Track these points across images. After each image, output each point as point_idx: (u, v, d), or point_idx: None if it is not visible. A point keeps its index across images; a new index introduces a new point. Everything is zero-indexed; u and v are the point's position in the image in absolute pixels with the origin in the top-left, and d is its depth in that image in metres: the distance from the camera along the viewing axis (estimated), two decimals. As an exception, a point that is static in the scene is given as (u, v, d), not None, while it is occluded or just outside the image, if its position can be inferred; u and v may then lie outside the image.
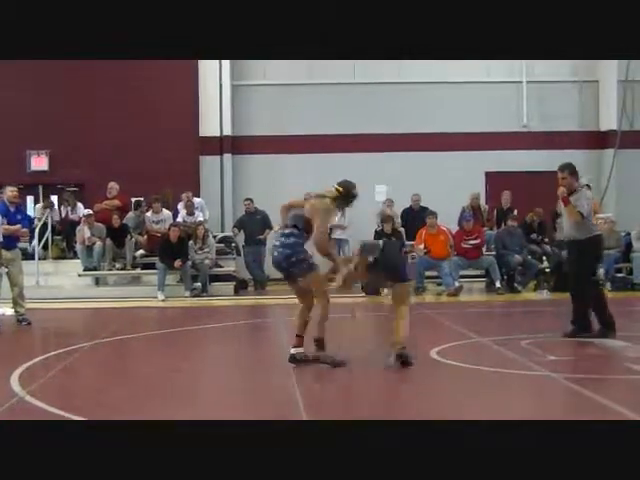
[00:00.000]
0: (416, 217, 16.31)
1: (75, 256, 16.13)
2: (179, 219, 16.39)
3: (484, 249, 15.55)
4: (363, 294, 15.09)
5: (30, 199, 18.28)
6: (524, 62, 18.68)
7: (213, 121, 18.62)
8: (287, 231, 7.44)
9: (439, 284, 15.34)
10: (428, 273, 15.25)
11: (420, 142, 18.64)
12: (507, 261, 15.09)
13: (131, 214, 16.66)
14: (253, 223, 16.35)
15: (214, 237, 16.49)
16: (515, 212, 16.37)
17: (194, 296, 14.88)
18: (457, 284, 14.71)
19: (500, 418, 4.84)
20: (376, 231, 15.86)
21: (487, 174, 18.87)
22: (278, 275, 19.41)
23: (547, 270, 15.70)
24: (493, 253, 15.46)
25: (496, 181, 18.31)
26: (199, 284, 15.14)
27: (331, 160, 18.55)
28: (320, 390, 6.41)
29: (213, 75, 18.52)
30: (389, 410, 5.75)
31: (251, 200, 16.90)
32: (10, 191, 11.11)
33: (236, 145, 18.79)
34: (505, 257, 15.08)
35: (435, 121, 18.62)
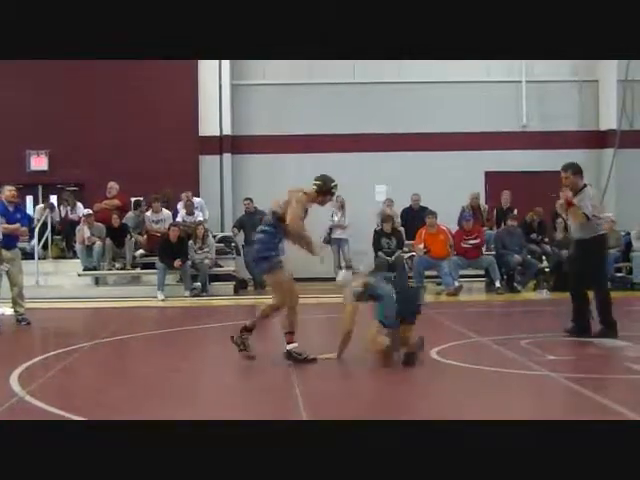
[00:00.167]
0: (416, 217, 16.31)
1: (75, 256, 16.13)
2: (179, 219, 16.39)
3: (484, 249, 15.55)
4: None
5: (30, 199, 18.28)
6: (524, 62, 18.68)
7: (213, 121, 18.63)
8: (261, 228, 7.57)
9: (439, 284, 15.34)
10: (428, 273, 15.25)
11: (420, 142, 18.64)
12: (507, 261, 15.09)
13: (131, 214, 16.66)
14: (253, 223, 16.31)
15: (214, 237, 16.49)
16: (515, 212, 16.37)
17: (194, 296, 14.88)
18: (457, 284, 14.71)
19: (500, 418, 4.84)
20: (376, 231, 15.88)
21: (487, 174, 18.88)
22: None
23: (547, 270, 15.70)
24: (493, 253, 15.46)
25: (496, 181, 18.31)
26: (199, 284, 15.14)
27: (331, 160, 18.53)
28: (320, 390, 6.41)
29: (213, 75, 18.53)
30: (389, 410, 5.75)
31: (251, 200, 16.90)
32: (8, 190, 11.10)
33: (236, 145, 18.79)
34: (505, 257, 15.08)
35: (435, 121, 18.63)
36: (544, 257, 15.87)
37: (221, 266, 16.17)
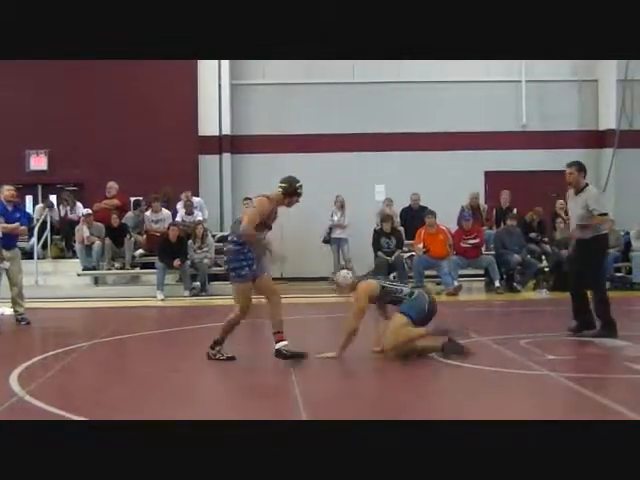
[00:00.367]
0: (415, 216, 16.31)
1: (74, 256, 16.13)
2: (178, 218, 16.38)
3: (483, 248, 15.56)
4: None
5: (29, 199, 18.27)
6: (523, 61, 18.68)
7: (212, 120, 18.63)
8: (230, 237, 7.70)
9: (438, 283, 15.34)
10: (427, 272, 15.25)
11: (419, 142, 18.65)
12: (506, 260, 15.09)
13: (130, 213, 16.66)
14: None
15: (213, 236, 16.48)
16: (514, 211, 16.37)
17: (193, 295, 14.88)
18: (456, 283, 14.72)
19: (499, 418, 4.84)
20: (375, 230, 15.88)
21: (486, 173, 18.88)
22: (276, 275, 19.51)
23: (546, 269, 15.71)
24: (492, 252, 15.46)
25: (495, 180, 18.31)
26: (198, 283, 15.14)
27: (330, 159, 18.58)
28: (320, 390, 6.41)
29: (212, 75, 18.52)
30: (389, 410, 5.74)
31: (250, 200, 16.84)
32: (7, 190, 11.09)
33: (235, 144, 18.79)
34: (504, 256, 15.09)
35: (434, 121, 18.63)
36: (544, 257, 15.88)
37: (220, 266, 16.15)
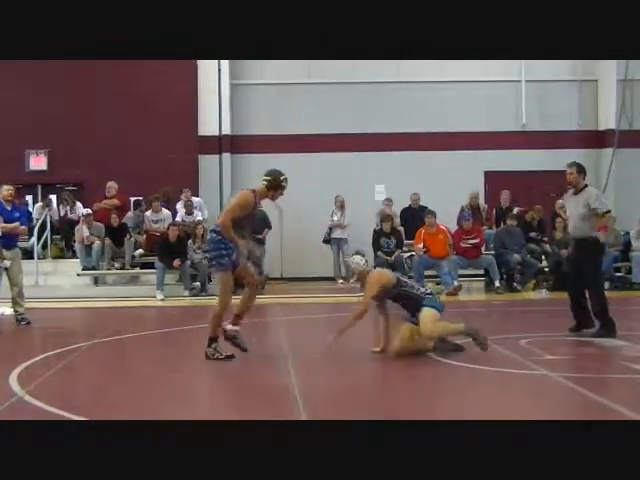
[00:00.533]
0: (415, 216, 16.31)
1: (74, 255, 16.12)
2: (178, 218, 16.38)
3: (483, 248, 15.55)
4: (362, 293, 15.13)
5: (29, 199, 18.26)
6: (523, 61, 18.67)
7: (212, 120, 18.62)
8: (212, 227, 7.82)
9: (438, 283, 15.34)
10: (427, 272, 15.25)
11: (419, 141, 18.65)
12: (506, 260, 15.09)
13: (130, 213, 16.67)
14: (252, 222, 16.30)
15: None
16: (515, 211, 16.37)
17: (193, 295, 14.87)
18: (456, 283, 14.72)
19: (498, 417, 4.84)
20: (375, 230, 15.88)
21: (486, 173, 18.88)
22: (277, 275, 19.45)
23: (546, 269, 15.71)
24: (492, 252, 15.46)
25: (495, 180, 18.31)
26: (198, 283, 15.14)
27: (330, 159, 18.59)
28: (320, 390, 6.41)
29: (212, 74, 18.51)
30: (388, 410, 5.75)
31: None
32: (5, 190, 11.10)
33: (235, 144, 18.79)
34: (504, 256, 15.08)
35: (434, 120, 18.63)
36: (544, 257, 15.88)
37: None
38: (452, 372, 7.09)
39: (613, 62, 18.60)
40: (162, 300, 14.46)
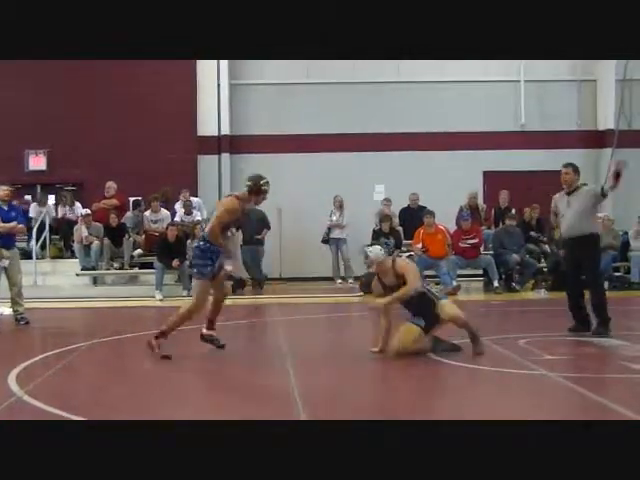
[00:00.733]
0: (414, 216, 16.31)
1: (73, 255, 16.12)
2: (177, 218, 16.38)
3: (482, 248, 15.56)
4: (360, 293, 15.14)
5: (28, 199, 18.26)
6: (522, 61, 18.68)
7: (211, 120, 18.63)
8: (201, 235, 7.98)
9: (437, 283, 15.33)
10: (426, 272, 15.21)
11: (418, 141, 18.66)
12: (505, 260, 15.09)
13: (129, 213, 16.66)
14: (251, 223, 16.34)
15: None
16: (513, 211, 16.38)
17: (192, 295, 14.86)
18: (455, 283, 14.72)
19: (498, 417, 4.84)
20: (374, 230, 15.88)
21: (485, 173, 18.89)
22: (276, 275, 19.45)
23: (545, 269, 15.72)
24: (491, 252, 15.47)
25: (494, 180, 18.32)
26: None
27: (329, 159, 18.59)
28: (319, 390, 6.40)
29: (211, 74, 18.52)
30: (388, 410, 5.75)
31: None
32: (2, 190, 11.12)
33: (234, 144, 18.79)
34: (503, 256, 15.09)
35: (433, 120, 18.63)
36: (542, 257, 15.88)
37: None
38: (451, 372, 7.10)
39: (612, 62, 18.62)
40: (161, 300, 14.46)
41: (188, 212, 16.48)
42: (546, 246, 15.80)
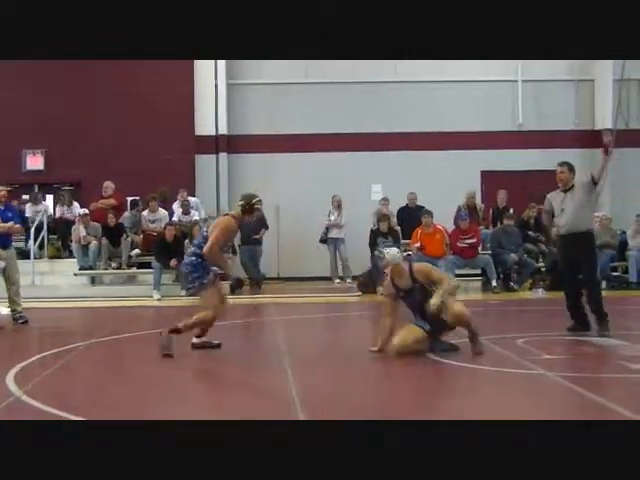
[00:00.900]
0: (412, 216, 16.29)
1: (71, 255, 16.11)
2: (175, 218, 16.37)
3: (480, 248, 15.56)
4: (359, 292, 15.14)
5: (26, 198, 18.24)
6: (520, 61, 18.69)
7: (209, 120, 18.61)
8: (192, 250, 8.05)
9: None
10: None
11: (416, 141, 18.66)
12: (503, 260, 15.10)
13: (127, 213, 16.65)
14: (249, 222, 16.30)
15: (209, 236, 16.44)
16: (511, 211, 16.38)
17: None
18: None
19: (497, 417, 4.85)
20: (372, 230, 15.87)
21: (483, 173, 18.90)
22: (273, 274, 19.44)
23: (543, 269, 15.72)
24: (489, 252, 15.47)
25: (492, 180, 18.33)
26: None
27: (327, 159, 18.60)
28: (317, 389, 6.40)
29: (209, 74, 18.51)
30: (386, 410, 5.75)
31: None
32: None
33: (232, 144, 18.78)
34: (501, 256, 15.10)
35: (431, 120, 18.65)
36: (540, 256, 15.89)
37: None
38: (450, 372, 7.10)
39: (609, 62, 18.63)
40: (159, 300, 14.45)
41: (186, 212, 16.47)
42: (544, 246, 15.80)
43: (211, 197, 18.42)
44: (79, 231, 15.67)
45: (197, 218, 16.40)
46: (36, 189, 18.10)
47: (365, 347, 7.82)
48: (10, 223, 11.01)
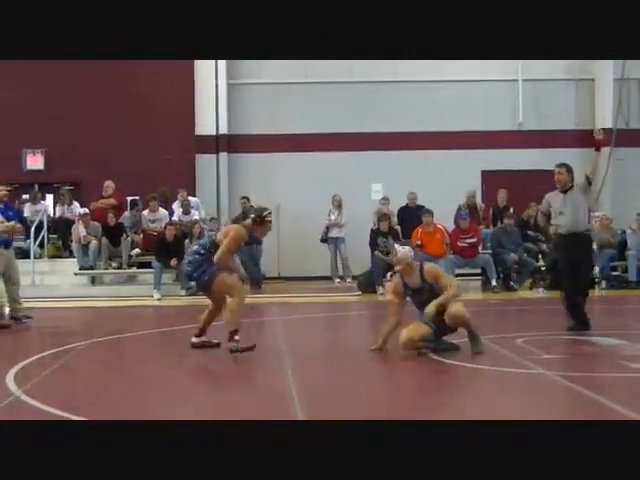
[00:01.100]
0: (412, 215, 16.28)
1: (71, 255, 16.10)
2: (175, 218, 16.38)
3: (480, 247, 15.56)
4: (359, 292, 15.15)
5: (26, 198, 18.25)
6: (520, 61, 18.67)
7: (209, 120, 18.61)
8: (196, 249, 8.11)
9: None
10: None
11: (416, 140, 18.66)
12: (503, 259, 15.10)
13: (127, 213, 16.66)
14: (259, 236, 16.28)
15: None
16: (511, 210, 16.38)
17: (190, 295, 14.85)
18: (453, 282, 14.70)
19: (496, 417, 4.85)
20: (372, 230, 15.87)
21: (483, 173, 18.89)
22: (274, 274, 19.43)
23: (543, 268, 15.72)
24: (489, 251, 15.47)
25: (492, 180, 18.33)
26: (194, 283, 15.10)
27: (327, 159, 18.59)
28: (317, 389, 6.40)
29: (209, 74, 18.50)
30: (386, 409, 5.75)
31: (247, 199, 16.91)
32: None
33: (232, 144, 18.78)
34: (501, 255, 15.10)
35: (431, 120, 18.64)
36: (540, 256, 15.89)
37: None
38: (450, 371, 7.10)
39: (610, 61, 18.61)
40: (159, 299, 14.46)
41: (186, 211, 16.48)
42: (544, 245, 15.80)
43: (211, 197, 18.42)
44: (79, 231, 15.67)
45: (197, 218, 16.41)
46: (36, 189, 18.10)
47: (365, 346, 7.82)
48: (12, 222, 11.03)
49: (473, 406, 5.73)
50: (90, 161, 17.70)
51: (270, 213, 8.11)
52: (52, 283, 15.57)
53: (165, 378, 7.04)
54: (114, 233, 15.72)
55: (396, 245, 7.94)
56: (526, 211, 16.30)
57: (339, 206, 17.07)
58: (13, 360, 7.64)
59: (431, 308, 7.45)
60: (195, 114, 18.58)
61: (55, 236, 16.74)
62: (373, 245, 15.54)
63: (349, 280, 16.63)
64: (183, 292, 14.91)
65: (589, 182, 9.09)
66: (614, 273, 15.61)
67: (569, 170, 9.20)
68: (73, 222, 16.21)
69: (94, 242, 15.54)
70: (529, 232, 15.93)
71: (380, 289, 14.53)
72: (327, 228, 17.07)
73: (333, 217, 17.07)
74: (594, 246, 15.13)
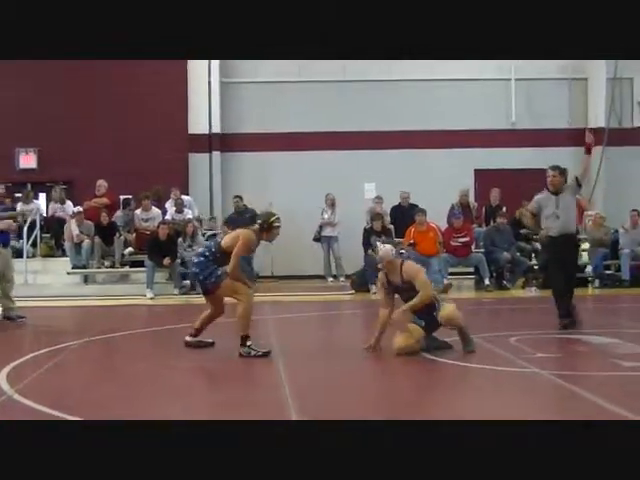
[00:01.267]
0: (405, 214, 16.29)
1: (64, 254, 16.07)
2: (168, 217, 16.36)
3: (473, 246, 15.58)
4: (352, 290, 15.15)
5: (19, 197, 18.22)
6: (513, 60, 18.70)
7: (202, 119, 18.60)
8: (201, 251, 8.10)
9: (429, 282, 15.32)
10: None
11: (409, 139, 18.67)
12: (496, 258, 15.13)
13: (120, 212, 16.62)
14: (242, 221, 16.30)
15: (203, 235, 16.47)
16: (504, 209, 16.40)
17: (183, 294, 14.85)
18: (446, 281, 14.72)
19: (490, 416, 4.86)
20: (365, 229, 15.87)
21: (476, 171, 18.92)
22: (267, 273, 19.40)
23: (536, 267, 15.75)
24: (482, 250, 15.49)
25: (485, 178, 18.36)
26: (188, 282, 15.10)
27: (320, 158, 18.59)
28: (311, 388, 6.40)
29: (202, 72, 18.48)
30: (381, 409, 5.76)
31: (240, 198, 16.90)
32: None
33: (225, 143, 18.76)
34: (494, 254, 15.12)
35: (424, 119, 18.66)
36: (533, 254, 15.91)
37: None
38: (444, 370, 7.11)
39: (602, 61, 18.65)
40: (152, 298, 14.44)
41: (179, 210, 16.46)
42: (537, 244, 15.82)
43: (205, 196, 18.41)
44: (72, 230, 15.63)
45: (190, 217, 16.39)
46: (29, 188, 18.06)
47: (358, 345, 7.83)
48: (9, 221, 11.05)
49: (467, 405, 5.74)
50: (83, 160, 17.68)
51: (278, 218, 7.92)
52: (45, 282, 15.54)
53: (158, 377, 7.04)
54: (107, 232, 15.68)
55: (378, 243, 7.95)
56: (519, 210, 16.31)
57: (332, 205, 17.08)
58: (5, 359, 7.61)
59: (397, 315, 7.55)
60: (188, 113, 18.56)
61: (48, 235, 16.71)
62: (366, 244, 15.55)
63: (342, 279, 16.64)
64: (176, 291, 14.90)
65: (579, 184, 9.20)
66: (607, 272, 15.65)
67: (562, 173, 9.34)
68: (65, 221, 16.18)
69: (87, 241, 15.51)
70: (522, 231, 15.95)
71: (373, 288, 14.52)
72: (320, 227, 17.08)
73: (326, 216, 17.08)
74: (586, 245, 15.32)
